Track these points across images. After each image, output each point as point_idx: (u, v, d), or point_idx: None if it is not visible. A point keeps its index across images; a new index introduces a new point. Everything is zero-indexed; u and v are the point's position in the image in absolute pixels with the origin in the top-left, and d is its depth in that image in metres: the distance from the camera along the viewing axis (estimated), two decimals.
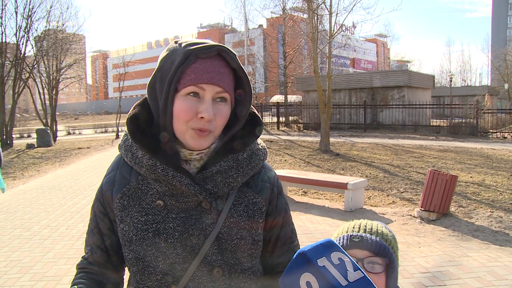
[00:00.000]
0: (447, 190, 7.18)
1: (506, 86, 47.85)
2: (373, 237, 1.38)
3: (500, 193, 9.12)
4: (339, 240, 1.42)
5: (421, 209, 7.37)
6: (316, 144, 17.74)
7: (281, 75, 35.26)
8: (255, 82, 32.19)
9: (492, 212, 7.70)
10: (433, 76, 32.14)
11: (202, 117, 1.16)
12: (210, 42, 1.22)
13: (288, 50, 31.98)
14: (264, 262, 1.42)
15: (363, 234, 1.39)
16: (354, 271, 0.91)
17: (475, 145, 18.33)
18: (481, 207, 8.00)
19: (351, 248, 1.36)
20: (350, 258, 0.94)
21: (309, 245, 0.97)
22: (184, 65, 1.15)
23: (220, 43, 1.20)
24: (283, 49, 32.79)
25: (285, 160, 14.07)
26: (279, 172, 9.45)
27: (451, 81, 43.56)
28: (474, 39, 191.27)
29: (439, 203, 7.19)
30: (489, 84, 58.07)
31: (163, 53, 1.25)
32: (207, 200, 1.23)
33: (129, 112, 1.30)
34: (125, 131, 1.32)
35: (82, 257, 1.39)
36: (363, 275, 0.91)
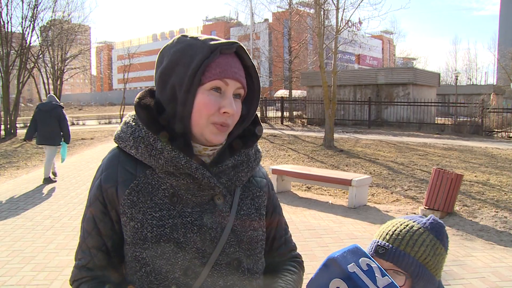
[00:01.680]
0: (452, 189, 7.13)
1: None
2: (399, 251, 1.34)
3: (505, 193, 9.07)
4: (370, 246, 1.42)
5: (425, 208, 7.33)
6: (320, 139, 17.70)
7: (286, 70, 35.20)
8: (260, 76, 31.99)
9: (496, 212, 7.65)
10: (439, 74, 32.01)
11: (225, 112, 1.18)
12: (218, 38, 1.23)
13: (293, 44, 31.91)
14: (265, 256, 1.43)
15: (389, 246, 1.36)
16: (382, 277, 0.92)
17: (480, 144, 18.25)
18: (485, 207, 7.95)
19: (376, 257, 1.36)
20: (377, 264, 0.95)
21: (337, 251, 0.98)
22: (209, 59, 1.15)
23: (233, 40, 1.21)
24: (288, 43, 32.71)
25: (289, 155, 14.04)
26: (283, 167, 9.42)
27: (456, 79, 43.40)
28: (481, 37, 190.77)
29: (443, 201, 7.14)
30: (495, 83, 57.75)
31: (173, 45, 1.23)
32: (221, 193, 1.24)
33: (137, 101, 1.26)
34: (131, 122, 1.27)
35: (76, 267, 1.28)
36: (391, 281, 0.92)
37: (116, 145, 1.30)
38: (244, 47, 1.23)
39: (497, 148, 17.08)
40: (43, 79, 25.17)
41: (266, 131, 21.91)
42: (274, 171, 8.85)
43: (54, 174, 10.23)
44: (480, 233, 6.60)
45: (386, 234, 1.40)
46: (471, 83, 68.57)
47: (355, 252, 0.97)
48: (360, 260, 0.94)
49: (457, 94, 41.15)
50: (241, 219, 1.28)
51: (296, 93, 39.91)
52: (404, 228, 1.39)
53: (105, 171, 1.26)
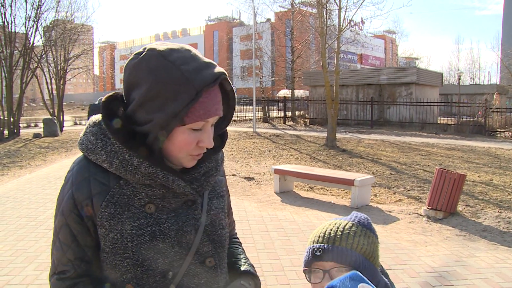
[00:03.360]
0: (455, 189, 7.12)
1: None
2: (336, 247, 1.34)
3: (509, 193, 9.04)
4: (306, 255, 1.41)
5: (428, 208, 7.32)
6: (322, 139, 17.69)
7: (288, 70, 35.16)
8: (262, 76, 32.06)
9: (500, 212, 7.63)
10: (441, 74, 31.96)
11: (202, 146, 1.23)
12: (193, 50, 1.21)
13: (296, 44, 31.90)
14: None
15: (325, 246, 1.35)
16: None
17: (483, 144, 18.21)
18: (489, 207, 7.93)
19: (316, 261, 1.35)
20: None
21: (337, 279, 1.03)
22: (194, 100, 1.13)
23: (219, 70, 1.19)
24: (291, 43, 32.71)
25: (291, 155, 14.03)
26: (285, 167, 9.42)
27: (459, 79, 43.31)
28: (484, 37, 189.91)
29: (446, 202, 7.13)
30: (498, 83, 57.61)
31: (149, 68, 1.15)
32: (193, 198, 1.30)
33: (106, 111, 1.22)
34: (98, 134, 1.23)
35: (59, 279, 1.26)
36: None
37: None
38: (226, 73, 1.20)
39: (500, 148, 17.04)
40: (46, 79, 25.20)
41: (268, 130, 21.92)
42: (277, 171, 8.84)
43: None
44: (483, 233, 6.58)
45: (319, 237, 1.39)
46: (474, 83, 68.42)
47: (354, 279, 1.00)
48: (358, 286, 0.98)
49: (460, 94, 41.05)
50: (211, 218, 1.34)
51: (299, 93, 39.92)
52: (334, 226, 1.40)
53: (76, 183, 1.23)
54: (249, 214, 7.42)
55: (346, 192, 8.77)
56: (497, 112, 24.43)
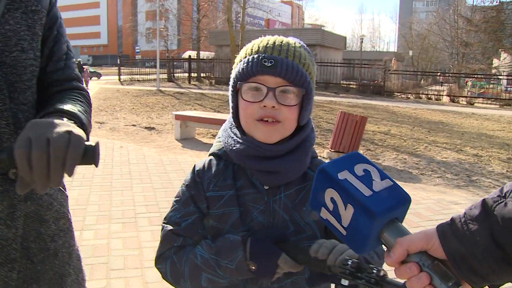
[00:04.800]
0: (357, 131, 7.14)
1: (410, 53, 50.32)
2: (290, 61, 1.07)
3: (404, 141, 9.36)
4: (246, 63, 1.09)
5: (330, 150, 7.31)
6: (227, 97, 17.35)
7: (194, 29, 34.27)
8: (167, 35, 30.98)
9: (397, 155, 7.82)
10: (345, 38, 32.89)
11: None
12: None
13: (202, 3, 31.01)
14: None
15: (278, 57, 1.07)
16: (382, 180, 0.78)
17: (382, 103, 18.95)
18: (387, 151, 8.11)
19: (261, 74, 1.07)
20: (376, 168, 0.81)
21: (332, 159, 0.84)
22: None
23: None
24: (197, 1, 31.75)
25: (195, 109, 13.62)
26: (187, 112, 9.04)
27: (361, 42, 44.68)
28: (384, 8, 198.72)
29: (348, 144, 7.13)
30: (395, 51, 60.60)
31: None
32: None
33: None
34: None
35: None
36: (392, 183, 0.78)
37: None
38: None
39: (398, 106, 17.84)
40: None
41: (172, 89, 21.23)
42: (177, 117, 8.40)
43: None
44: None
45: (266, 47, 1.10)
46: (375, 50, 71.45)
47: (351, 159, 0.83)
48: (355, 166, 0.81)
49: (361, 59, 42.51)
50: (4, 35, 1.03)
51: (205, 54, 39.15)
52: (284, 41, 1.12)
53: None
54: (147, 158, 7.00)
55: None
56: (394, 74, 25.60)
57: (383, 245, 0.78)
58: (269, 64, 1.06)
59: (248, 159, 1.11)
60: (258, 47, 1.10)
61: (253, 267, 1.03)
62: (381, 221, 0.75)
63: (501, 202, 0.67)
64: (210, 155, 1.22)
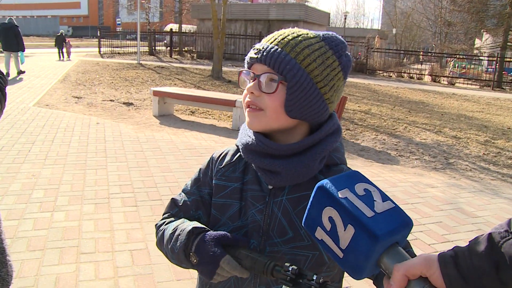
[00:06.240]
0: (337, 110, 7.09)
1: (394, 31, 50.26)
2: (275, 48, 1.02)
3: (384, 121, 9.35)
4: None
5: None
6: (208, 71, 17.19)
7: (176, 1, 33.64)
8: (149, 7, 30.36)
9: (376, 135, 7.81)
10: (329, 14, 32.54)
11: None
12: None
13: None
14: None
15: (265, 44, 1.05)
16: (383, 201, 0.77)
17: (364, 81, 18.94)
18: (367, 131, 8.09)
19: (253, 62, 1.07)
20: (377, 188, 0.80)
21: (331, 177, 0.82)
22: None
23: None
24: None
25: (175, 84, 13.44)
26: (165, 88, 8.88)
27: (345, 19, 44.51)
28: None
29: None
30: (379, 28, 60.41)
31: None
32: None
33: None
34: None
35: None
36: (394, 205, 0.77)
37: None
38: None
39: (379, 85, 17.85)
40: None
41: (153, 63, 20.91)
42: (156, 93, 8.25)
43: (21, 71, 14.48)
44: (361, 152, 6.67)
45: (271, 37, 1.07)
46: (359, 27, 71.13)
47: (352, 177, 0.81)
48: (356, 185, 0.79)
49: (345, 36, 42.33)
50: None
51: (187, 28, 38.53)
52: (294, 33, 1.06)
53: None
54: (124, 135, 6.88)
55: (229, 116, 8.46)
56: (377, 52, 25.57)
57: (381, 271, 0.76)
58: (256, 51, 1.05)
59: (251, 154, 1.09)
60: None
61: (195, 260, 1.03)
62: (383, 244, 0.72)
63: (509, 239, 0.65)
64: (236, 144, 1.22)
